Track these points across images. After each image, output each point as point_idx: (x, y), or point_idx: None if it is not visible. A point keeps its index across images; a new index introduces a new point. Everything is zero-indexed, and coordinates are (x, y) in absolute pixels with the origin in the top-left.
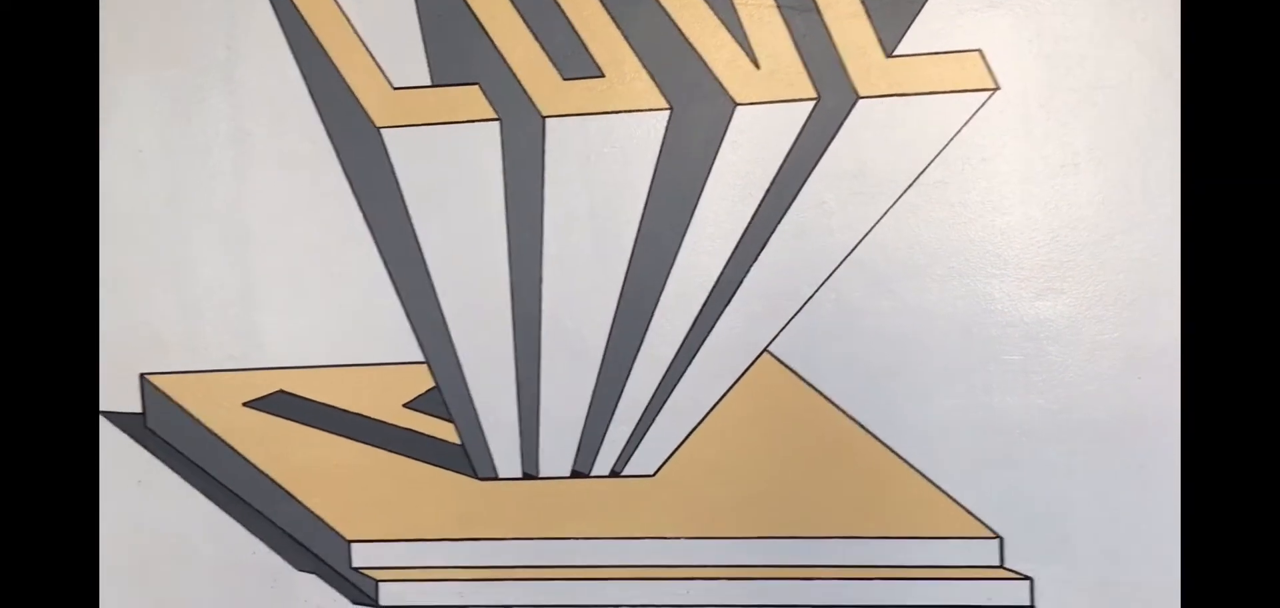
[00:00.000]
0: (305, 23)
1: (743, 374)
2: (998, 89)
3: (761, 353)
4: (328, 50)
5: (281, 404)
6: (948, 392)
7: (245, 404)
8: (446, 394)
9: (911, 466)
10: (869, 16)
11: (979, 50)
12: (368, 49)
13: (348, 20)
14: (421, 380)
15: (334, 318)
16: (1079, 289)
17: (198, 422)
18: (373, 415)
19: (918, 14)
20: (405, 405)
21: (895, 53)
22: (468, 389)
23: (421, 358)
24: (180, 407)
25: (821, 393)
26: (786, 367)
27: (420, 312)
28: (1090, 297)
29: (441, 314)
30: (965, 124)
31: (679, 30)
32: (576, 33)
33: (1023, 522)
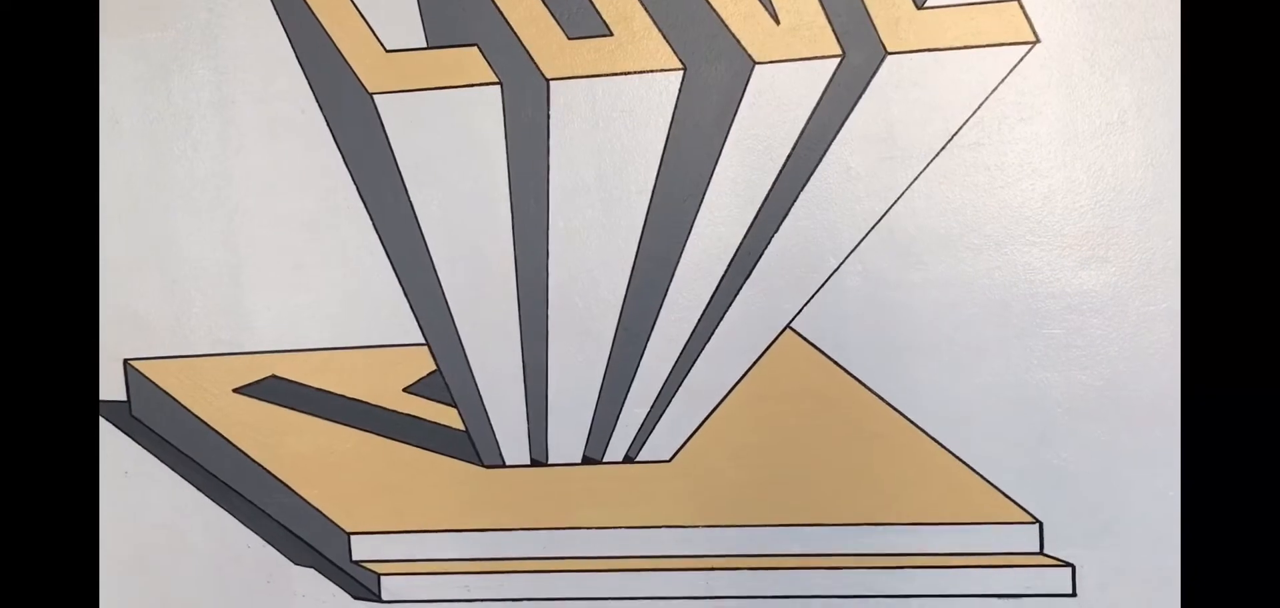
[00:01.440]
0: None
1: (764, 353)
2: (1037, 42)
3: (783, 330)
4: (316, 11)
5: (274, 390)
6: (983, 369)
7: (236, 391)
8: (449, 377)
9: (945, 447)
10: None
11: (1017, 0)
12: (359, 9)
13: None
14: (422, 363)
15: (328, 298)
16: (1124, 257)
17: (186, 409)
18: (371, 401)
19: None
20: (405, 390)
21: (926, 4)
22: (471, 372)
23: (421, 339)
24: (167, 394)
25: (848, 372)
26: (810, 344)
27: (419, 290)
28: (1137, 265)
29: (442, 292)
30: (1002, 81)
31: None
32: None
33: (1064, 505)
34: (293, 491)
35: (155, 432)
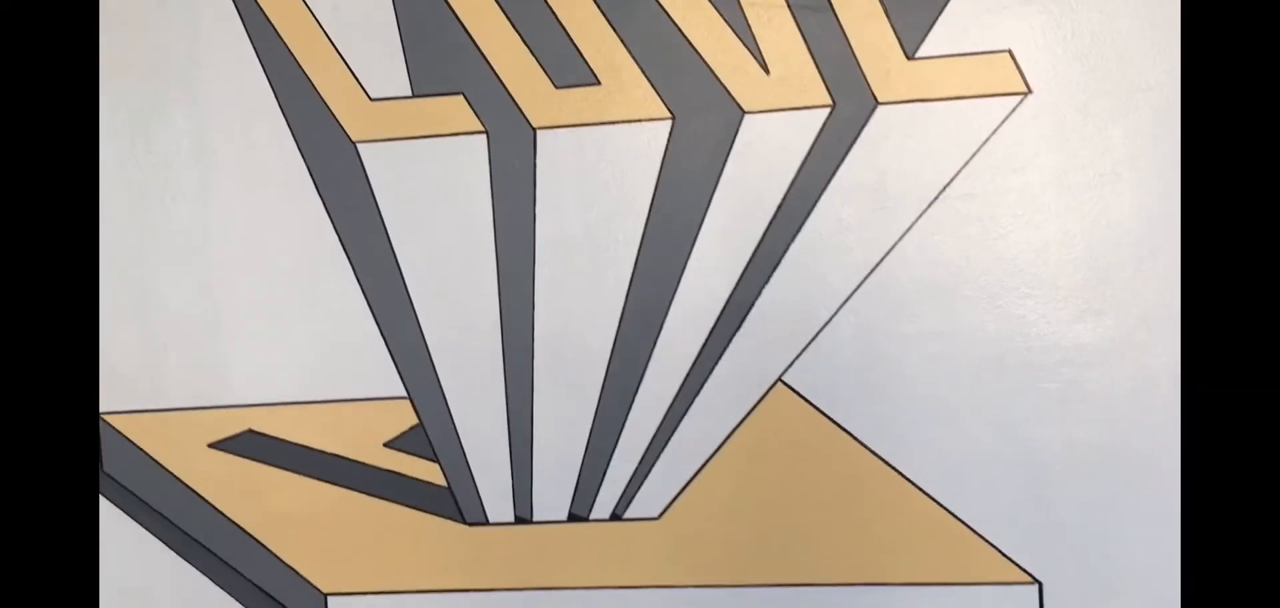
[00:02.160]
0: (274, 29)
1: (754, 407)
2: (1029, 93)
3: (775, 383)
4: (299, 59)
5: (250, 445)
6: (979, 424)
7: (211, 445)
8: (431, 432)
9: (940, 504)
10: (888, 16)
11: (1008, 51)
12: (342, 57)
13: (320, 26)
14: (403, 417)
15: (307, 350)
16: (1121, 310)
17: (159, 465)
18: (350, 456)
19: (941, 13)
20: (386, 445)
21: (917, 55)
22: (454, 426)
23: (403, 393)
24: (140, 449)
25: (840, 426)
26: (802, 397)
27: (401, 342)
28: (1134, 318)
29: (425, 345)
30: (994, 131)
31: (681, 33)
32: (569, 37)
33: (1063, 565)
34: (268, 549)
35: (127, 488)
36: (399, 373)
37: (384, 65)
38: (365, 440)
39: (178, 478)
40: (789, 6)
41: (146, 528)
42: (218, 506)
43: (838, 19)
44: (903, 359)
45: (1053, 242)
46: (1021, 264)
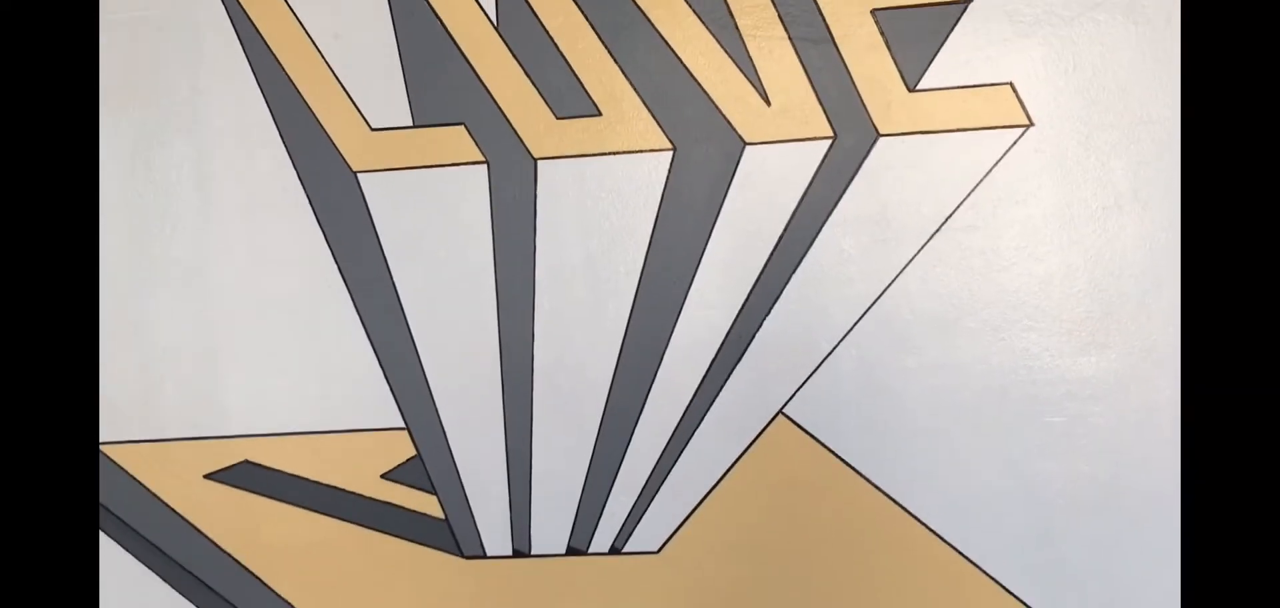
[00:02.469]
0: (275, 58)
1: (755, 439)
2: (1031, 125)
3: (776, 416)
4: (300, 88)
5: (246, 476)
6: (982, 458)
7: (206, 476)
8: (428, 463)
9: (943, 539)
10: (889, 48)
11: (1010, 83)
12: (344, 87)
13: (322, 56)
14: (401, 448)
15: (305, 380)
16: (1125, 343)
17: (154, 496)
18: (347, 488)
19: (942, 45)
20: (383, 476)
21: (918, 87)
22: (452, 458)
23: (401, 424)
24: (134, 479)
25: (842, 460)
26: (804, 431)
27: (400, 373)
28: (1138, 352)
29: (423, 375)
30: (996, 164)
31: (682, 64)
32: (571, 68)
33: (1066, 602)
34: (263, 582)
35: (121, 519)
36: (397, 404)
37: (385, 95)
38: (362, 472)
39: (173, 509)
40: (790, 38)
41: (140, 560)
42: (212, 537)
43: (839, 50)
44: (905, 392)
45: (1056, 274)
46: (1024, 297)
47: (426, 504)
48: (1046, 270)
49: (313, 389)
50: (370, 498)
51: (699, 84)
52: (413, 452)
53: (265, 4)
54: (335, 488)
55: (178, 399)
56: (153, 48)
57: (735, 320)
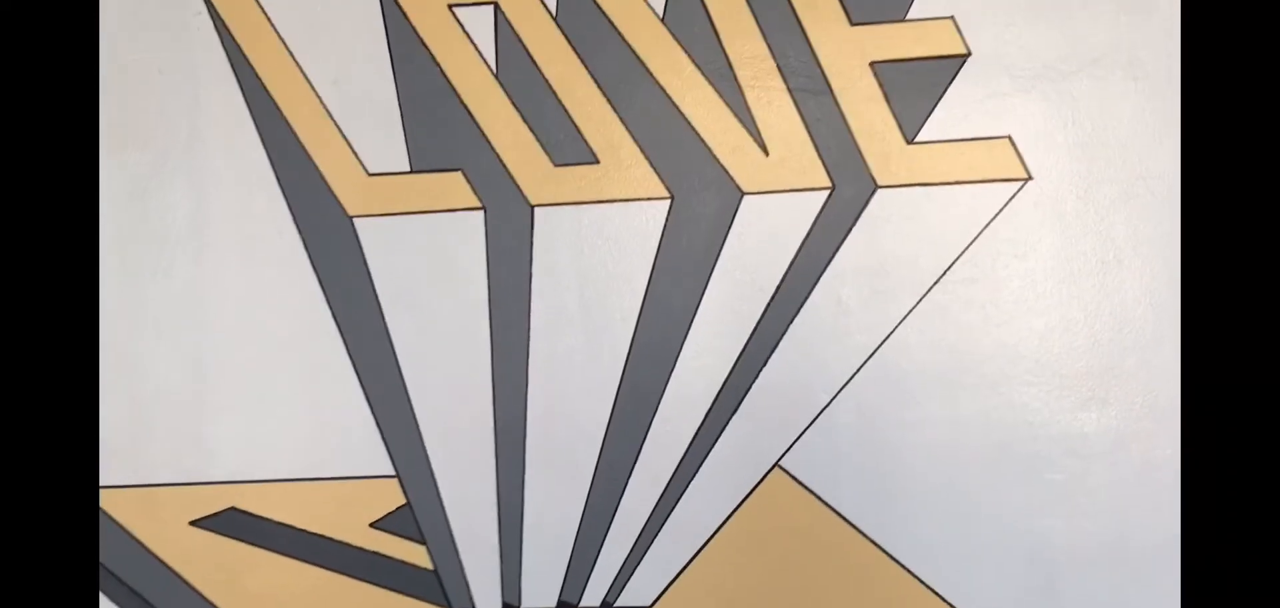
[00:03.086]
0: (273, 102)
1: (751, 492)
2: (1030, 179)
3: (772, 468)
4: (297, 132)
5: (232, 523)
6: (983, 514)
7: (192, 523)
8: (418, 513)
9: (942, 597)
10: (888, 100)
11: (1008, 137)
12: (341, 131)
13: (320, 100)
14: (391, 497)
15: (295, 426)
16: (1126, 399)
17: (137, 542)
18: (335, 537)
19: (941, 98)
20: (372, 525)
21: (917, 139)
22: (442, 507)
23: (391, 472)
24: (118, 524)
25: (839, 514)
26: (800, 484)
27: (391, 420)
28: (1139, 408)
29: (415, 422)
30: (995, 217)
31: (681, 113)
32: (569, 116)
33: None
34: None
35: (104, 566)
36: (388, 451)
37: (383, 140)
38: (351, 520)
39: (157, 556)
40: (789, 89)
41: (122, 606)
42: (196, 586)
43: (837, 102)
44: (903, 446)
45: (1055, 329)
46: (1024, 351)
47: (416, 555)
48: (1046, 325)
49: (303, 435)
50: (358, 548)
51: (697, 133)
52: (403, 500)
53: (266, 49)
54: (322, 537)
55: (167, 443)
56: (154, 91)
57: (732, 371)
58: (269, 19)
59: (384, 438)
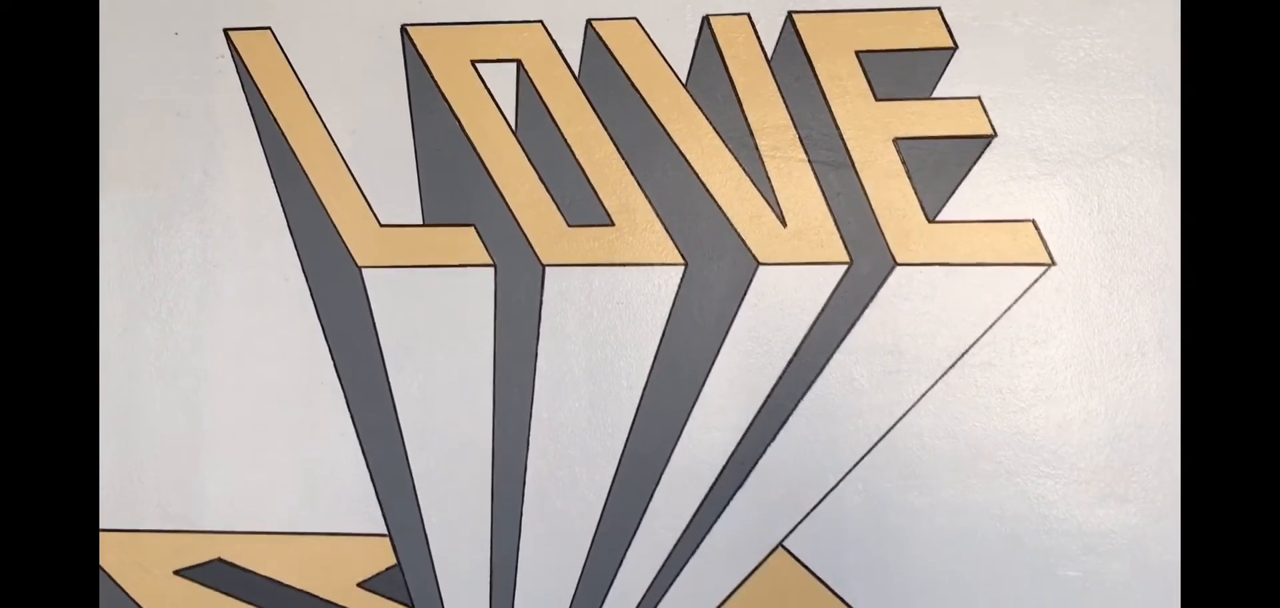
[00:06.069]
0: (290, 148)
1: (753, 572)
2: (1053, 264)
3: (775, 548)
4: (312, 179)
5: (218, 575)
6: None
7: (176, 572)
8: (408, 575)
9: None
10: (910, 176)
11: (1032, 221)
12: (356, 180)
13: (337, 148)
14: (381, 557)
15: (288, 478)
16: (1146, 498)
17: (120, 589)
18: (321, 595)
19: (964, 177)
20: (359, 584)
21: (938, 218)
22: (433, 569)
23: (383, 530)
24: (102, 570)
25: (843, 600)
26: (804, 566)
27: (386, 476)
28: (1159, 508)
29: (411, 479)
30: (1016, 301)
31: (699, 179)
32: (586, 176)
33: None
34: None
35: None
36: (381, 508)
37: (398, 192)
38: (338, 579)
39: (138, 604)
40: (809, 160)
41: None
42: None
43: (858, 176)
44: (912, 533)
45: (1074, 420)
46: (1041, 441)
47: None
48: (1064, 415)
49: (295, 487)
50: (344, 607)
51: (715, 201)
52: (393, 560)
53: (285, 95)
54: (307, 593)
55: (156, 488)
56: (170, 131)
57: (738, 445)
58: (292, 65)
59: (378, 495)
